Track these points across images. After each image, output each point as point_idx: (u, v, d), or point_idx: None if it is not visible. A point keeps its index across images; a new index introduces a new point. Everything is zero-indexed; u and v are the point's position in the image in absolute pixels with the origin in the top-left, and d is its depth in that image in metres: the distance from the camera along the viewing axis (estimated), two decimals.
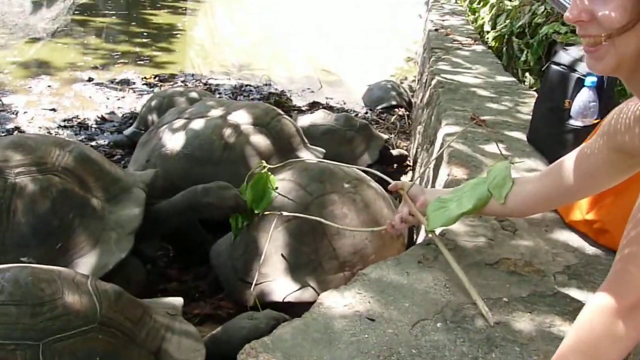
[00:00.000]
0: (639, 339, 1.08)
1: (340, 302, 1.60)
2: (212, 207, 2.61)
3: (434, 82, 4.32)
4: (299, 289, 2.45)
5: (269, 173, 2.66)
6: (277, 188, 2.64)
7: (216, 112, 3.52)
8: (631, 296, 1.05)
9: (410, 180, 4.28)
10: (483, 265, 1.86)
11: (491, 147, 2.95)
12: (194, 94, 4.65)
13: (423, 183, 3.69)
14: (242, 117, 3.45)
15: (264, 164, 2.65)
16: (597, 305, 1.10)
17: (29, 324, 1.45)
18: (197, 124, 3.45)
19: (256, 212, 2.60)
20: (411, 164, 4.54)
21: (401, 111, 6.04)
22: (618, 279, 1.09)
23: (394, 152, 4.50)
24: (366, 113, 6.17)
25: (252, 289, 2.50)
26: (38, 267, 1.67)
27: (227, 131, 3.36)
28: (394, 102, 6.15)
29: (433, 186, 3.16)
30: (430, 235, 1.96)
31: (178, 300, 2.01)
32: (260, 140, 3.39)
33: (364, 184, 2.77)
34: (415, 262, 1.83)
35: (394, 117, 5.88)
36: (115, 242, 2.31)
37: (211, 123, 3.42)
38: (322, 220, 2.45)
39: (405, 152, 4.61)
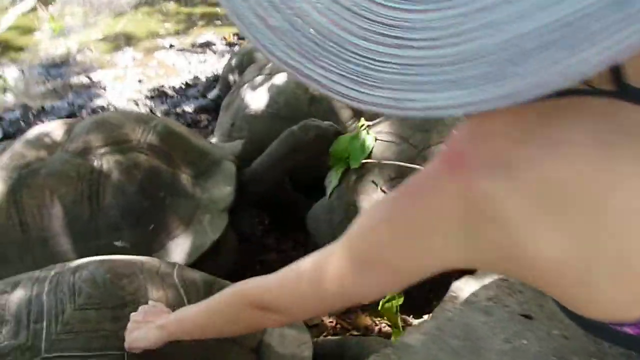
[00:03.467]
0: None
1: (482, 294, 1.25)
2: (319, 140, 2.40)
3: None
4: None
5: (365, 124, 2.34)
6: (375, 141, 2.31)
7: None
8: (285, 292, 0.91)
9: None
10: None
11: None
12: None
13: None
14: None
15: (363, 121, 2.34)
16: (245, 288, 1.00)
17: (111, 330, 1.26)
18: (280, 79, 3.15)
19: (353, 167, 2.30)
20: None
21: None
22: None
23: None
24: None
25: None
26: (118, 259, 1.48)
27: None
28: None
29: None
30: None
31: None
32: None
33: None
34: None
35: None
36: (209, 222, 2.12)
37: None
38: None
39: None
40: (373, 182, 2.21)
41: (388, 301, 1.93)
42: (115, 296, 1.31)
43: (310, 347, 1.52)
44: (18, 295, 1.32)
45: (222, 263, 2.29)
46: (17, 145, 2.24)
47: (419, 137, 2.25)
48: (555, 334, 1.11)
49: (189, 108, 4.94)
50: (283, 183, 2.81)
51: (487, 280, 1.29)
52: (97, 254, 2.07)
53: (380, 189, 2.16)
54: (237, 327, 1.08)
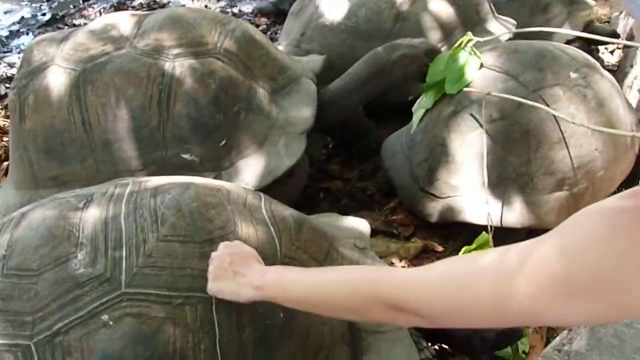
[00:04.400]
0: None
1: None
2: (407, 60, 2.16)
3: None
4: (501, 210, 1.92)
5: (472, 40, 2.05)
6: (481, 66, 2.03)
7: None
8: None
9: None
10: None
11: None
12: None
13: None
14: None
15: (470, 35, 2.04)
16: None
17: (199, 269, 1.10)
18: None
19: (449, 92, 2.04)
20: (621, 41, 3.56)
21: None
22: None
23: (601, 24, 3.54)
24: None
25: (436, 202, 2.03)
26: (203, 184, 1.30)
27: None
28: None
29: None
30: None
31: (363, 224, 1.59)
32: (440, 8, 2.70)
33: (596, 74, 2.05)
34: None
35: None
36: (285, 145, 1.92)
37: None
38: (550, 109, 1.83)
39: (614, 30, 3.61)
40: (472, 115, 1.95)
41: None
42: (203, 230, 1.15)
43: None
44: (92, 215, 1.16)
45: (290, 190, 2.12)
46: (80, 35, 2.02)
47: (530, 75, 1.96)
48: None
49: (246, 8, 4.61)
50: (357, 107, 2.57)
51: None
52: (162, 166, 1.92)
53: (485, 130, 1.91)
54: (356, 315, 0.96)
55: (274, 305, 1.14)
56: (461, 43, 2.05)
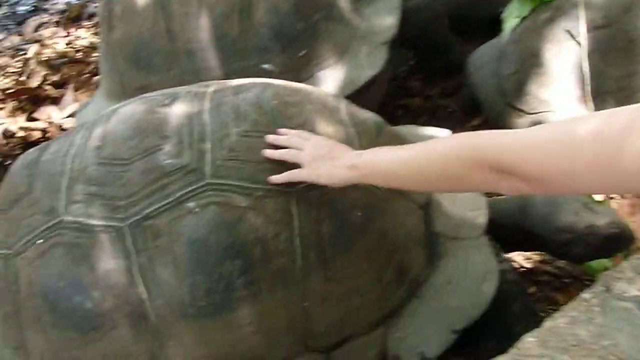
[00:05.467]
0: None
1: None
2: None
3: None
4: None
5: None
6: None
7: None
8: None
9: None
10: None
11: None
12: None
13: None
14: None
15: None
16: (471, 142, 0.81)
17: (278, 165, 1.11)
18: None
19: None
20: None
21: None
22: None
23: None
24: None
25: (524, 118, 1.92)
26: (283, 85, 1.30)
27: None
28: None
29: None
30: None
31: (445, 134, 1.53)
32: None
33: None
34: None
35: None
36: (367, 55, 1.87)
37: None
38: None
39: None
40: (568, 32, 1.80)
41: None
42: (283, 127, 1.15)
43: (485, 214, 1.33)
44: (178, 110, 1.20)
45: (368, 103, 2.08)
46: None
47: None
48: None
49: None
50: (443, 19, 2.43)
51: None
52: (243, 76, 1.93)
53: (576, 40, 1.76)
54: (456, 186, 0.90)
55: (354, 203, 1.15)
56: None
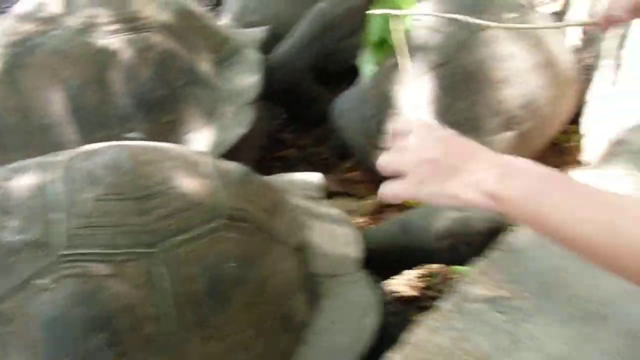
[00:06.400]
0: None
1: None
2: (353, 11, 2.12)
3: None
4: None
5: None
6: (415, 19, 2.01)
7: None
8: None
9: None
10: None
11: None
12: None
13: None
14: None
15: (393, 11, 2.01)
16: None
17: (138, 224, 1.07)
18: None
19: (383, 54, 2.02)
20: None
21: None
22: None
23: None
24: None
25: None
26: (138, 145, 1.27)
27: None
28: None
29: None
30: None
31: (316, 177, 1.57)
32: None
33: (531, 13, 2.08)
34: None
35: None
36: (233, 115, 1.90)
37: None
38: (480, 21, 1.79)
39: None
40: (414, 72, 1.95)
41: None
42: (141, 186, 1.12)
43: (361, 248, 1.36)
44: (26, 182, 1.12)
45: (244, 160, 2.09)
46: (9, 19, 1.95)
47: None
48: None
49: None
50: (306, 73, 2.55)
51: (608, 174, 1.08)
52: None
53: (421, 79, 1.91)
54: None
55: (226, 254, 1.13)
56: None
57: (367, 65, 2.13)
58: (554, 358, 0.81)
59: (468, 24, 1.86)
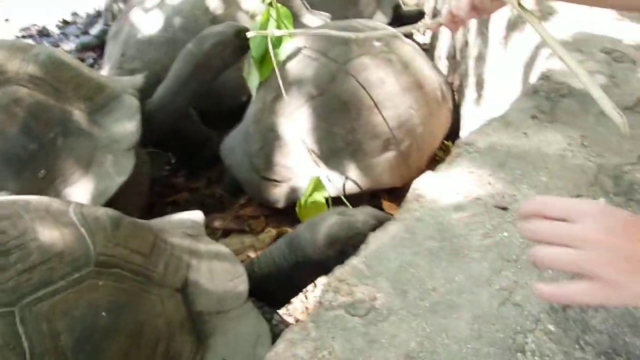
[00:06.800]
0: None
1: (449, 188, 1.12)
2: (220, 47, 2.13)
3: None
4: (339, 180, 1.98)
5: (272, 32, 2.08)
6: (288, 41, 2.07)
7: None
8: None
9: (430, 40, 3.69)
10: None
11: None
12: None
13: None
14: None
15: (270, 30, 2.06)
16: None
17: None
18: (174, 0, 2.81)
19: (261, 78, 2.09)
20: (429, 21, 3.90)
21: None
22: None
23: (408, 7, 3.84)
24: None
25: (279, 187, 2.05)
26: None
27: (212, 3, 2.73)
28: None
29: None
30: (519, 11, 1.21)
31: (196, 215, 1.55)
32: (254, 8, 2.76)
33: (397, 41, 2.21)
34: (528, 118, 1.34)
35: None
36: (113, 163, 1.83)
37: None
38: (350, 33, 1.86)
39: (422, 9, 3.95)
40: (285, 106, 2.00)
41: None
42: None
43: (244, 281, 1.34)
44: None
45: (132, 208, 2.02)
46: None
47: (337, 50, 2.06)
48: None
49: (69, 47, 4.40)
50: (191, 116, 2.53)
51: (453, 172, 1.16)
52: None
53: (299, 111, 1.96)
54: None
55: (95, 304, 1.07)
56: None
57: (253, 79, 2.18)
58: (408, 353, 0.83)
59: (342, 38, 1.98)
